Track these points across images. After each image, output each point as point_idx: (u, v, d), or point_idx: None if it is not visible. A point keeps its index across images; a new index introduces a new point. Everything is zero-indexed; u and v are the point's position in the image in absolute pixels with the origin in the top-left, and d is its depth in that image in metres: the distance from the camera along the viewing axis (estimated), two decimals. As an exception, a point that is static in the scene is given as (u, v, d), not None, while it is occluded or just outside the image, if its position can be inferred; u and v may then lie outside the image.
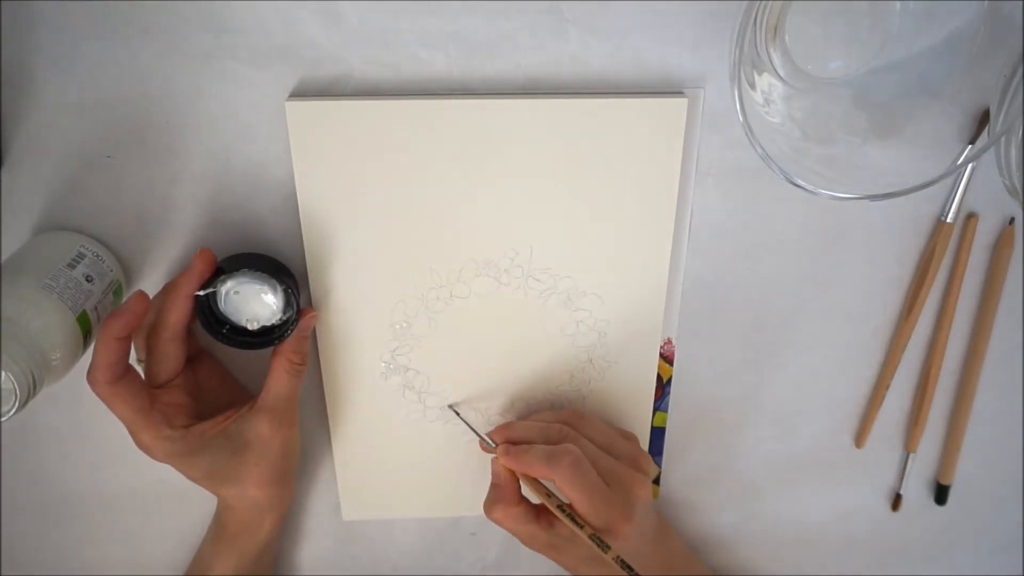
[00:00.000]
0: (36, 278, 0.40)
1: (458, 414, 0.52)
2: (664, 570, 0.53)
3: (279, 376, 0.46)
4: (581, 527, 0.45)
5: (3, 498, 0.55)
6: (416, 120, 0.43)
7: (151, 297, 0.43)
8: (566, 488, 0.45)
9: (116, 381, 0.42)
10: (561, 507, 0.46)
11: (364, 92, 0.43)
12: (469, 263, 0.47)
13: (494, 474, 0.49)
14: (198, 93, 0.43)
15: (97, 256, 0.45)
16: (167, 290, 0.45)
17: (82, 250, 0.44)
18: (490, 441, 0.50)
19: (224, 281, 0.44)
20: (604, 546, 0.44)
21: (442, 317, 0.49)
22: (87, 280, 0.43)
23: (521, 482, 0.48)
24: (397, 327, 0.49)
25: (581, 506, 0.46)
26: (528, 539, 0.48)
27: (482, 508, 0.49)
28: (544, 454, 0.46)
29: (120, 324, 0.41)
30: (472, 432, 0.51)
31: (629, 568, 0.43)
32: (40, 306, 0.40)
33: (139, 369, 0.45)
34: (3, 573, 0.58)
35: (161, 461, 0.45)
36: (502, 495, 0.48)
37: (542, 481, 0.48)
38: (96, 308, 0.43)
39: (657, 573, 0.51)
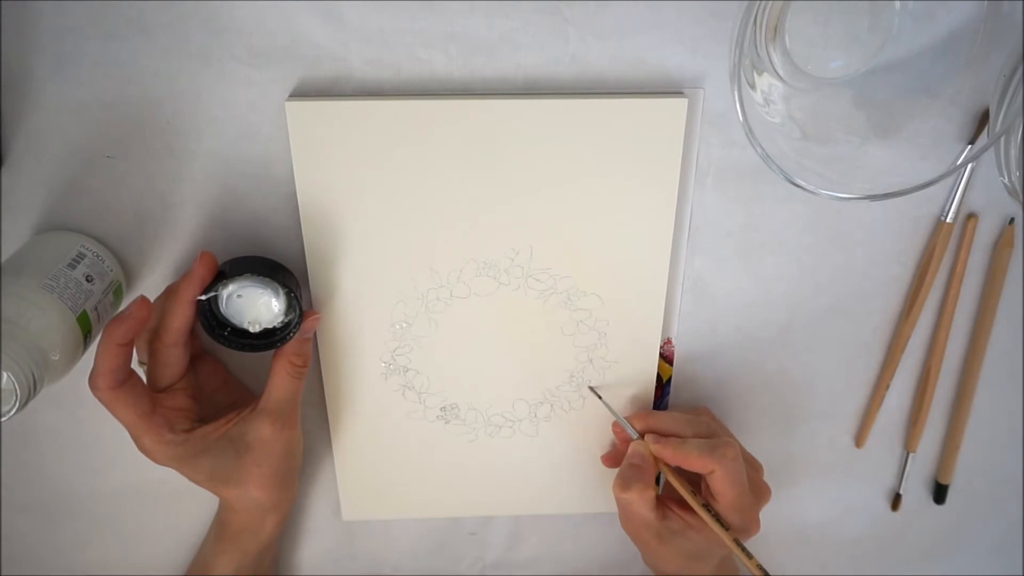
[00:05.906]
0: (36, 278, 0.40)
1: (600, 397, 0.51)
2: None
3: (281, 378, 0.46)
4: (726, 528, 0.44)
5: (3, 498, 0.55)
6: (416, 120, 0.43)
7: (152, 301, 0.43)
8: (723, 483, 0.45)
9: (118, 386, 0.41)
10: (706, 506, 0.45)
11: (364, 92, 0.43)
12: (469, 263, 0.47)
13: (635, 455, 0.47)
14: (198, 93, 0.43)
15: (97, 256, 0.45)
16: (169, 294, 0.45)
17: (82, 250, 0.44)
18: (632, 430, 0.49)
19: (226, 284, 0.43)
20: (747, 553, 0.43)
21: (442, 317, 0.49)
22: (87, 280, 0.43)
23: (663, 473, 0.48)
24: (397, 327, 0.49)
25: (728, 503, 0.45)
26: (640, 524, 0.47)
27: (613, 485, 0.47)
28: (706, 447, 0.45)
29: (122, 330, 0.41)
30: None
31: None
32: (40, 306, 0.40)
33: (140, 373, 0.45)
34: (3, 573, 0.58)
35: (163, 464, 0.45)
36: (641, 475, 0.46)
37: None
38: (96, 308, 0.43)
39: None
